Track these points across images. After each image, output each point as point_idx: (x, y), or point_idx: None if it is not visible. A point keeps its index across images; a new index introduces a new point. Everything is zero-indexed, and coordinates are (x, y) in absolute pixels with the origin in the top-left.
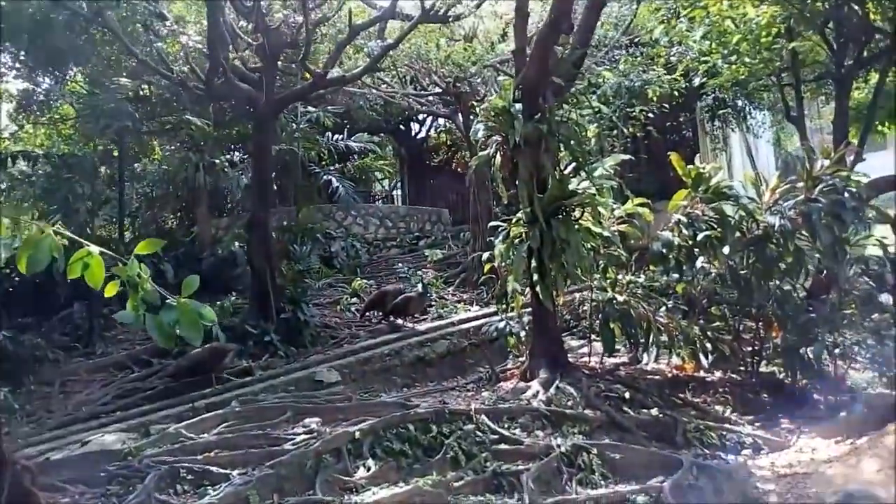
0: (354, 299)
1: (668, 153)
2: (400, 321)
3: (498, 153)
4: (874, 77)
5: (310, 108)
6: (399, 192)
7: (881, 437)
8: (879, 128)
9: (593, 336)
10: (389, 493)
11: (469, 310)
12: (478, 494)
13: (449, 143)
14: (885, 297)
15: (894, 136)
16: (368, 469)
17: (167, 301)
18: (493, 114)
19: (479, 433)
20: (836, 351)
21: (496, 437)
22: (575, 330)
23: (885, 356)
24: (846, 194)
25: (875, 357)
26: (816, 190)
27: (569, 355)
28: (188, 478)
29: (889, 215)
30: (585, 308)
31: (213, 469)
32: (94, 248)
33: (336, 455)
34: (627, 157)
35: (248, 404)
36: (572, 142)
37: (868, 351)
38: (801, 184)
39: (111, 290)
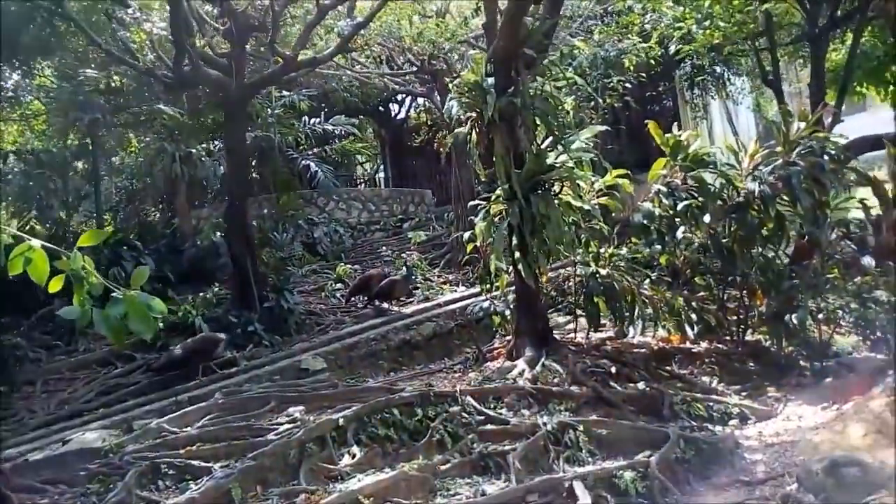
0: (339, 285)
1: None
2: (385, 305)
3: (473, 130)
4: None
5: (284, 93)
6: (382, 174)
7: (867, 402)
8: (858, 88)
9: (579, 312)
10: (374, 480)
11: (455, 290)
12: (465, 476)
13: (429, 122)
14: (867, 260)
15: (873, 97)
16: (353, 456)
17: (113, 294)
18: (465, 89)
19: (464, 415)
20: (820, 316)
21: (482, 417)
22: (561, 306)
23: (867, 319)
24: (824, 156)
25: (858, 320)
26: (794, 153)
27: (555, 332)
28: (170, 473)
29: (869, 176)
30: (571, 284)
31: (195, 463)
32: (36, 242)
33: (320, 443)
34: (605, 128)
35: (232, 396)
36: (548, 115)
37: (851, 315)
38: (779, 148)
39: (55, 286)
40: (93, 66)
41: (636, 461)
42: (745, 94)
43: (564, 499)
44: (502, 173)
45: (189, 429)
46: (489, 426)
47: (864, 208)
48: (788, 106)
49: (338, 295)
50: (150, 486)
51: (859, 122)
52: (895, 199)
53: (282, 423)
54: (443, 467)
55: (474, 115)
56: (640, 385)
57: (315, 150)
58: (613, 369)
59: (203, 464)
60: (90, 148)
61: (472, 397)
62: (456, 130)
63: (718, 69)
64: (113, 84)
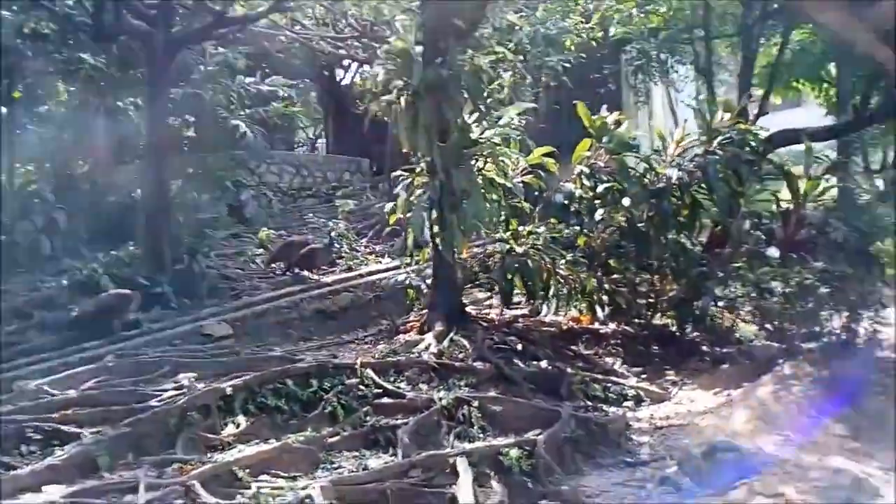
0: (260, 251)
1: (589, 105)
2: (306, 273)
3: (399, 99)
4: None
5: (220, 49)
6: (323, 140)
7: (754, 389)
8: (794, 84)
9: (496, 288)
10: (256, 451)
11: (380, 262)
12: (353, 450)
13: (374, 90)
14: (773, 251)
15: (808, 94)
16: (238, 426)
17: None
18: (393, 56)
19: (362, 387)
20: (721, 304)
21: (379, 391)
22: (482, 282)
23: (764, 308)
24: (744, 148)
25: (756, 309)
26: (715, 143)
27: (473, 308)
28: (36, 438)
29: (786, 170)
30: (493, 260)
31: (66, 428)
32: None
33: (204, 412)
34: (532, 106)
35: (126, 358)
36: (475, 89)
37: (750, 304)
38: (702, 137)
39: None
40: (14, 7)
41: (524, 439)
42: (687, 82)
43: (448, 475)
44: (425, 145)
45: (71, 391)
46: (385, 400)
47: (776, 201)
48: (721, 96)
49: (258, 261)
50: (13, 450)
51: (793, 118)
52: (805, 194)
53: (168, 390)
54: (331, 440)
55: (401, 83)
56: (543, 363)
57: (249, 110)
58: (520, 346)
59: (75, 429)
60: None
61: (372, 370)
62: (381, 98)
63: (663, 56)
64: (39, 29)
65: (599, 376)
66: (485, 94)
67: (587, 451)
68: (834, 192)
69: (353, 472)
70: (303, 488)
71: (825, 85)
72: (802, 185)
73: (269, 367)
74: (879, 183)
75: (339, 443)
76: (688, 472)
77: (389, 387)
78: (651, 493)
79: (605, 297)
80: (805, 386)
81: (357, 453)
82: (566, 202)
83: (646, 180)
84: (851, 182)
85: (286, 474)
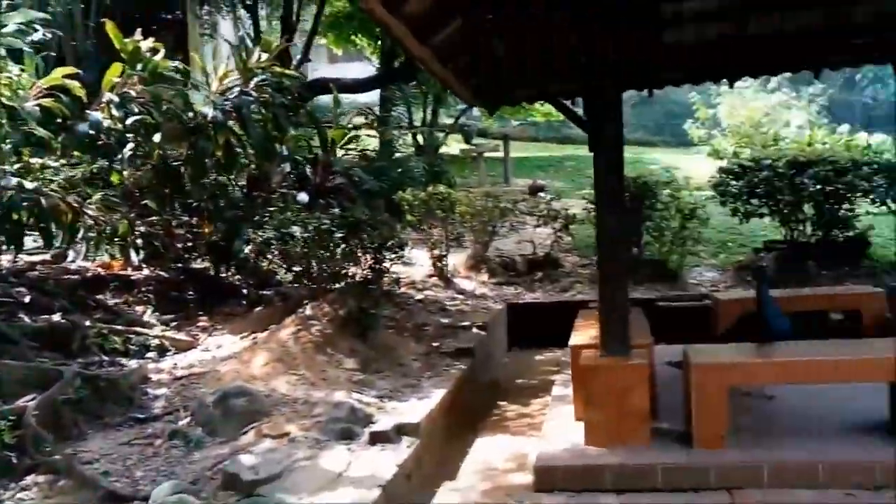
0: None
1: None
2: None
3: None
4: None
5: None
6: None
7: (277, 332)
8: (353, 37)
9: None
10: None
11: None
12: None
13: None
14: (302, 196)
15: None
16: None
17: None
18: None
19: None
20: (250, 247)
21: None
22: None
23: (287, 252)
24: (282, 92)
25: (280, 253)
26: (252, 84)
27: None
28: None
29: (316, 118)
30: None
31: None
32: None
33: None
34: (42, 15)
35: None
36: None
37: (277, 247)
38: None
39: None
40: None
41: (11, 407)
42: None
43: None
44: None
45: None
46: None
47: (308, 148)
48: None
49: None
50: None
51: (357, 70)
52: (333, 142)
53: None
54: None
55: None
56: (56, 317)
57: None
58: (28, 299)
59: None
60: None
61: None
62: None
63: None
64: None
65: (121, 327)
66: None
67: (94, 412)
68: (366, 142)
69: None
70: None
71: (379, 42)
72: (331, 133)
73: None
74: (419, 138)
75: None
76: (200, 421)
77: None
78: (159, 449)
79: (139, 241)
80: (324, 325)
81: None
82: (93, 133)
83: (185, 117)
84: (391, 135)
85: None
